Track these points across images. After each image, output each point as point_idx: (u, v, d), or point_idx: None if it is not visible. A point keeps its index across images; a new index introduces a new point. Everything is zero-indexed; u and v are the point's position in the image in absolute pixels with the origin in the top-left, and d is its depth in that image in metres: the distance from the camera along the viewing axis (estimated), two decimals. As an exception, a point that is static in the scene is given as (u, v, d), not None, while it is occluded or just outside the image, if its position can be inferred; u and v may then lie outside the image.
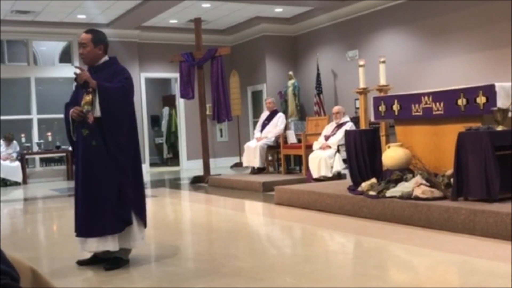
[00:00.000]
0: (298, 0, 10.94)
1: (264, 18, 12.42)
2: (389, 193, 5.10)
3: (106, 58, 3.95)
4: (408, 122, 5.72)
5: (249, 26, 12.87)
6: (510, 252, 3.60)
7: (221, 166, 12.96)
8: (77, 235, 3.83)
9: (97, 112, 3.74)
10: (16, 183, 11.21)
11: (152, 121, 15.86)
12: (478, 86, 4.93)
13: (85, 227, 3.77)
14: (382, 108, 5.92)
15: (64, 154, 12.18)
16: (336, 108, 8.53)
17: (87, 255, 3.91)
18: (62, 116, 3.98)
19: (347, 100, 10.89)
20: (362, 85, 6.41)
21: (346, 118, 8.43)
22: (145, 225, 3.95)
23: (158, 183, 10.32)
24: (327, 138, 8.31)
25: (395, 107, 5.75)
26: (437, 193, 4.80)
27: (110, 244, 3.72)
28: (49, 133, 12.36)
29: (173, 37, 13.01)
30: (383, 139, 6.14)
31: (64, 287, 3.42)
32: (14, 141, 11.59)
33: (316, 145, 8.34)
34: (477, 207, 4.25)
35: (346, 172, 6.53)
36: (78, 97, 3.89)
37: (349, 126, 8.10)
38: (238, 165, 12.32)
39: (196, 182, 9.87)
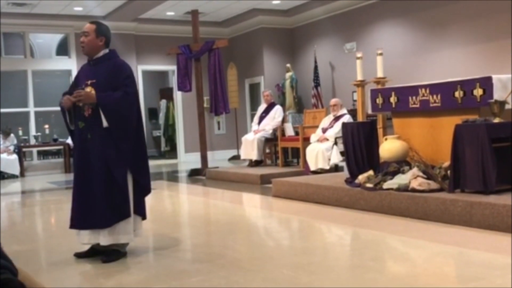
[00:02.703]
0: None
1: (261, 10, 12.38)
2: (386, 185, 5.11)
3: (106, 51, 3.96)
4: (405, 114, 5.73)
5: (246, 18, 12.83)
6: (507, 244, 3.61)
7: (218, 159, 12.96)
8: (70, 227, 3.86)
9: (104, 123, 3.74)
10: (13, 176, 11.22)
11: (149, 114, 15.87)
12: (475, 78, 4.93)
13: (78, 219, 3.79)
14: (379, 100, 5.92)
15: (61, 147, 12.15)
16: (333, 101, 8.53)
17: (85, 248, 3.92)
18: (59, 108, 3.98)
19: (345, 93, 10.89)
20: (359, 78, 6.40)
21: (344, 111, 8.43)
22: (143, 218, 3.98)
23: (155, 176, 10.31)
24: (324, 130, 8.32)
25: (393, 99, 5.75)
26: (434, 185, 4.82)
27: (101, 237, 3.74)
28: (46, 126, 12.34)
29: (170, 30, 12.97)
30: (380, 131, 6.14)
31: (62, 279, 3.43)
32: (12, 134, 11.59)
33: (313, 137, 8.35)
34: (474, 199, 4.26)
35: (344, 164, 6.53)
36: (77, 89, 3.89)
37: (347, 118, 8.11)
38: (236, 158, 12.34)
39: (194, 175, 9.88)
